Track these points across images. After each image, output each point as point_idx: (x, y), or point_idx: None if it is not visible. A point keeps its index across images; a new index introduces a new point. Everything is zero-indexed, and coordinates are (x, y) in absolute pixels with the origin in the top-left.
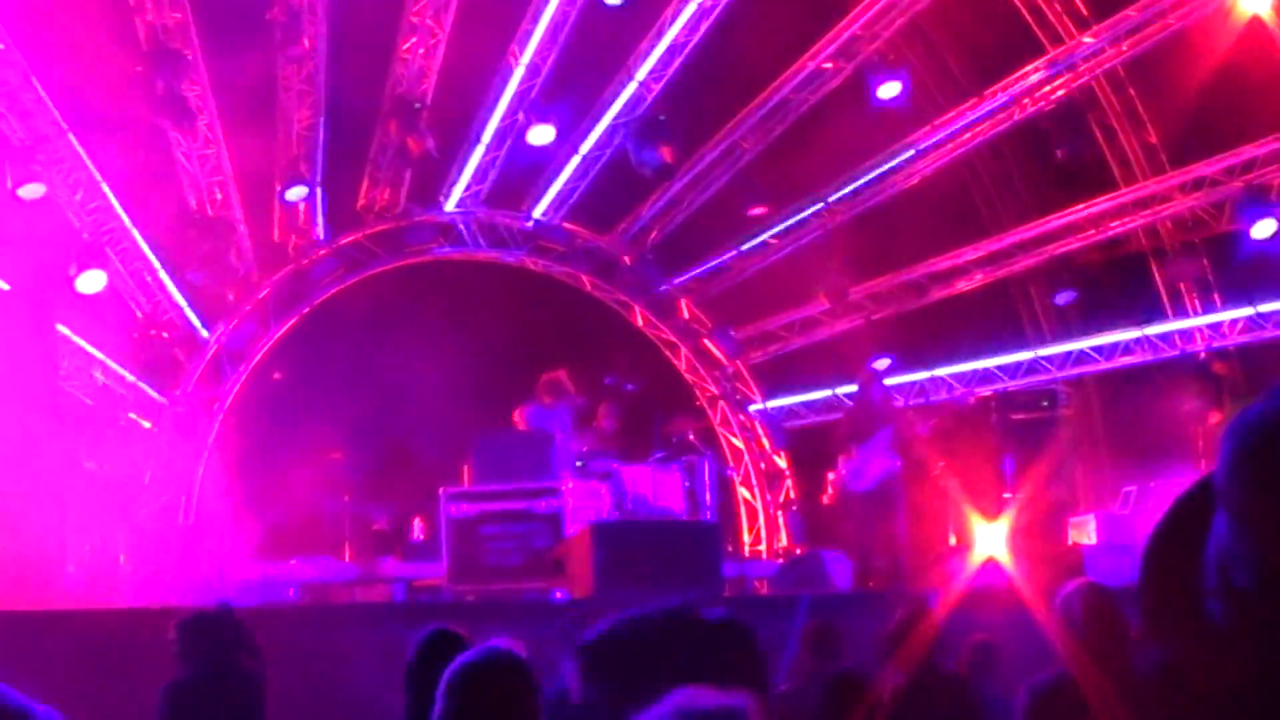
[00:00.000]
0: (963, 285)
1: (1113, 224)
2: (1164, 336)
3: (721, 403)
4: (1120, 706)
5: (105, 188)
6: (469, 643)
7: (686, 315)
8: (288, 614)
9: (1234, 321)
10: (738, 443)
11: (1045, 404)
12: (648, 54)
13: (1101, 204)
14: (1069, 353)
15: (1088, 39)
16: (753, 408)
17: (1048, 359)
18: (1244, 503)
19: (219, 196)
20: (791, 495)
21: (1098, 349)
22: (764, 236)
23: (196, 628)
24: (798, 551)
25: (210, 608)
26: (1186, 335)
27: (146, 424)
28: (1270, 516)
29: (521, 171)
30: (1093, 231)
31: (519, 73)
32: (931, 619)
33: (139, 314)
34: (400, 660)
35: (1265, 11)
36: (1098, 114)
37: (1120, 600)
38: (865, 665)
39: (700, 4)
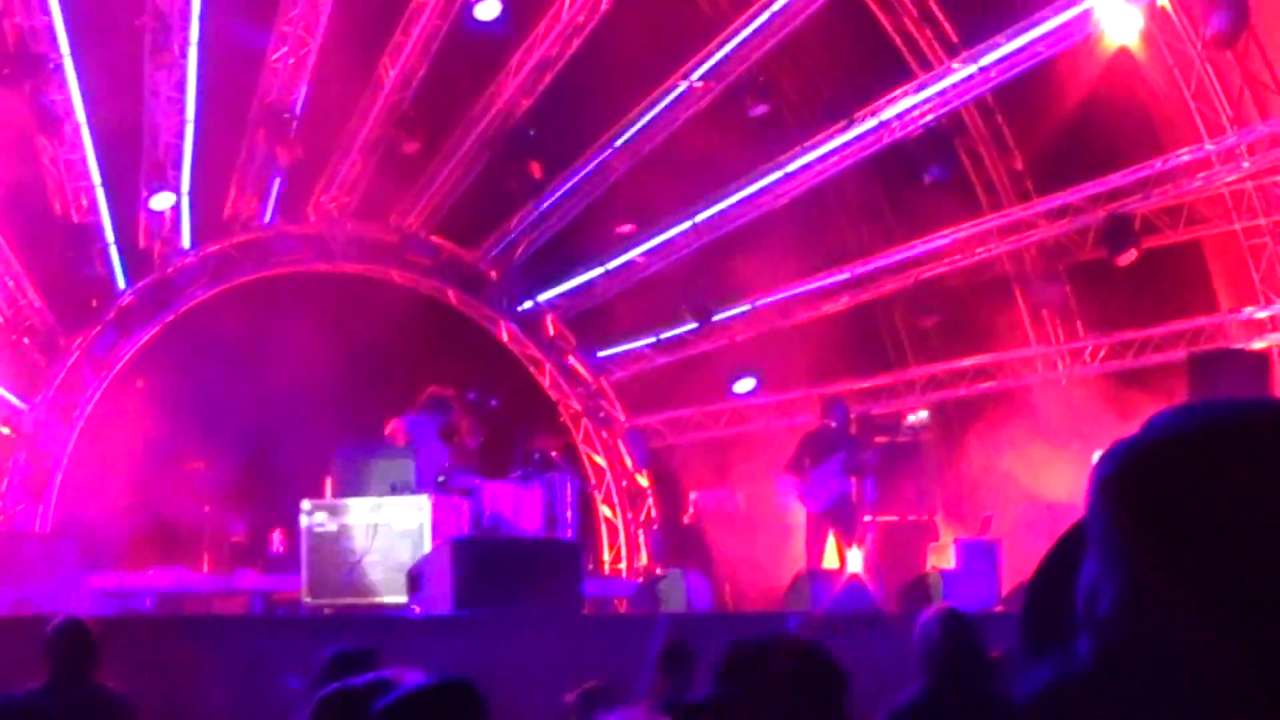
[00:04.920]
0: (828, 308)
1: (978, 250)
2: (1026, 362)
3: (584, 420)
4: None
5: None
6: (377, 661)
7: (552, 332)
8: (143, 625)
9: (1094, 349)
10: (600, 460)
11: (907, 427)
12: (519, 69)
13: (967, 229)
14: (932, 376)
15: (957, 65)
16: (616, 426)
17: (911, 382)
18: (1104, 531)
19: (84, 202)
20: (653, 514)
21: (960, 373)
22: (631, 255)
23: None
24: (658, 570)
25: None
26: (1048, 362)
27: (5, 430)
28: (1130, 546)
29: (390, 184)
30: (958, 257)
31: (389, 84)
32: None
33: (0, 319)
34: (257, 673)
35: (1132, 42)
36: (965, 140)
37: (977, 625)
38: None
39: (572, 20)
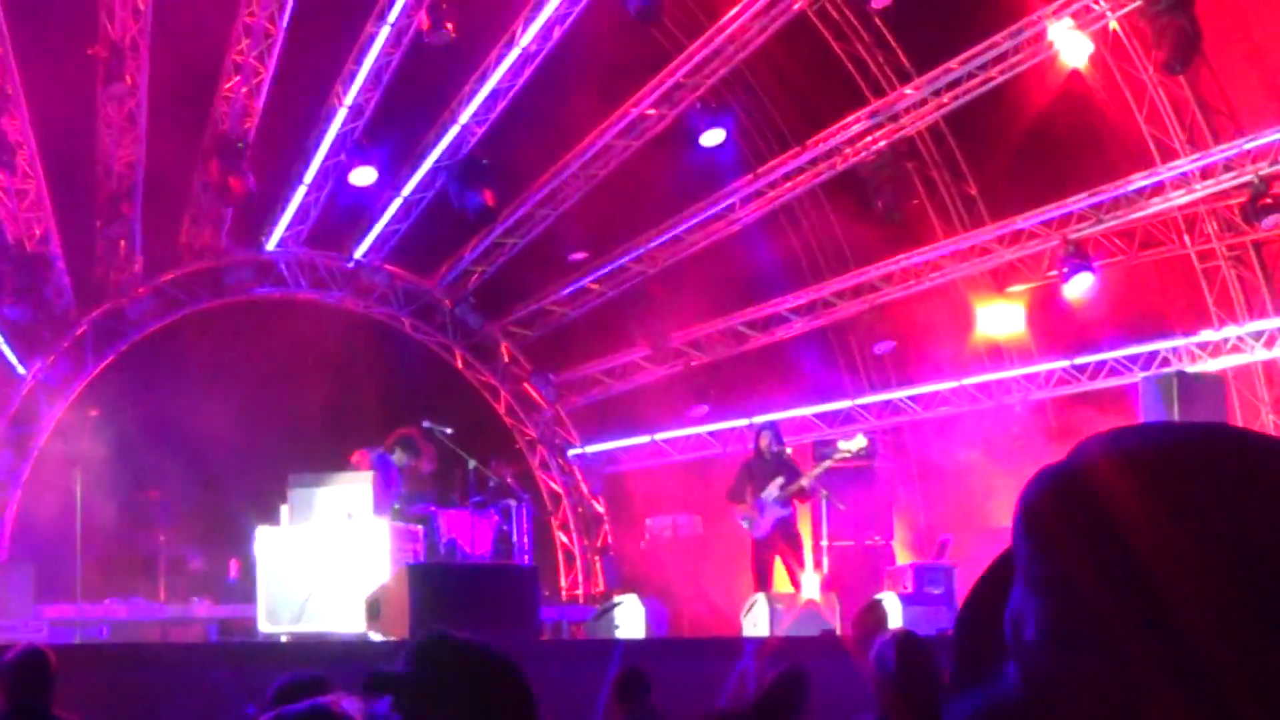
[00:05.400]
0: (782, 333)
1: (932, 275)
2: (981, 387)
3: (540, 446)
4: None
5: None
6: (327, 689)
7: (507, 359)
8: (100, 653)
9: (1049, 373)
10: (556, 486)
11: (859, 451)
12: (471, 97)
13: (921, 254)
14: (887, 401)
15: (909, 90)
16: (571, 452)
17: (865, 408)
18: (1026, 558)
19: (37, 232)
20: (609, 540)
21: (915, 398)
22: (585, 281)
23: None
24: (614, 596)
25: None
26: (1003, 386)
27: None
28: (1051, 570)
29: (343, 212)
30: (912, 282)
31: (342, 113)
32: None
33: None
34: (214, 701)
35: (1084, 67)
36: (918, 164)
37: (933, 650)
38: (674, 713)
39: (524, 49)
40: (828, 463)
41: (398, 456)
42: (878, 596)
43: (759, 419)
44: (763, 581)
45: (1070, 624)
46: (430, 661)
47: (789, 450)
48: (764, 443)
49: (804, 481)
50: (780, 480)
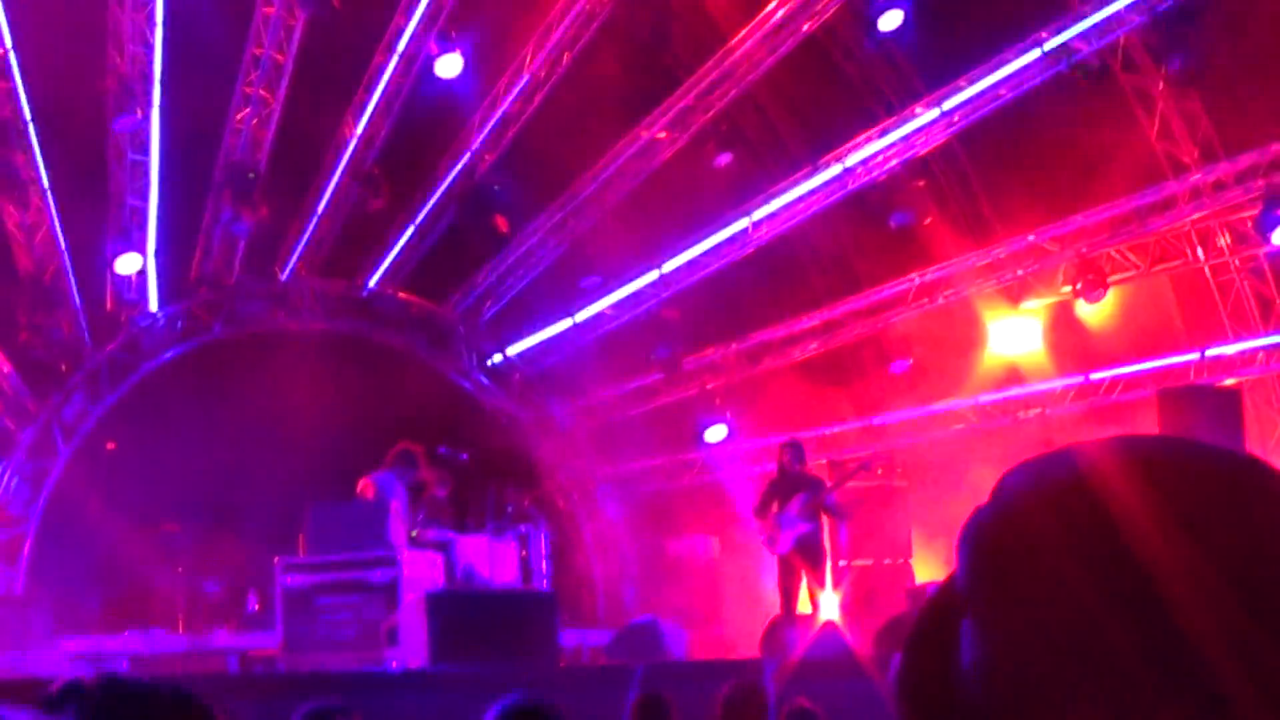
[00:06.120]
0: (797, 354)
1: (945, 293)
2: (997, 404)
3: (557, 471)
4: None
5: None
6: (349, 716)
7: (522, 384)
8: None
9: (1064, 389)
10: (574, 511)
11: (879, 471)
12: (482, 124)
13: (934, 272)
14: (903, 419)
15: (920, 109)
16: (588, 477)
17: (881, 426)
18: (983, 607)
19: (51, 266)
20: (627, 563)
21: (931, 416)
22: (599, 306)
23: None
24: (633, 619)
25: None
26: (1018, 403)
27: None
28: (1008, 618)
29: (356, 241)
30: (926, 300)
31: (353, 143)
32: (761, 694)
33: None
34: None
35: (1096, 82)
36: (930, 183)
37: None
38: None
39: (534, 75)
40: (846, 480)
41: (398, 472)
42: (899, 615)
43: (778, 439)
44: (788, 601)
45: (1009, 670)
46: (101, 708)
47: (810, 467)
48: (785, 460)
49: (825, 498)
50: (802, 497)
